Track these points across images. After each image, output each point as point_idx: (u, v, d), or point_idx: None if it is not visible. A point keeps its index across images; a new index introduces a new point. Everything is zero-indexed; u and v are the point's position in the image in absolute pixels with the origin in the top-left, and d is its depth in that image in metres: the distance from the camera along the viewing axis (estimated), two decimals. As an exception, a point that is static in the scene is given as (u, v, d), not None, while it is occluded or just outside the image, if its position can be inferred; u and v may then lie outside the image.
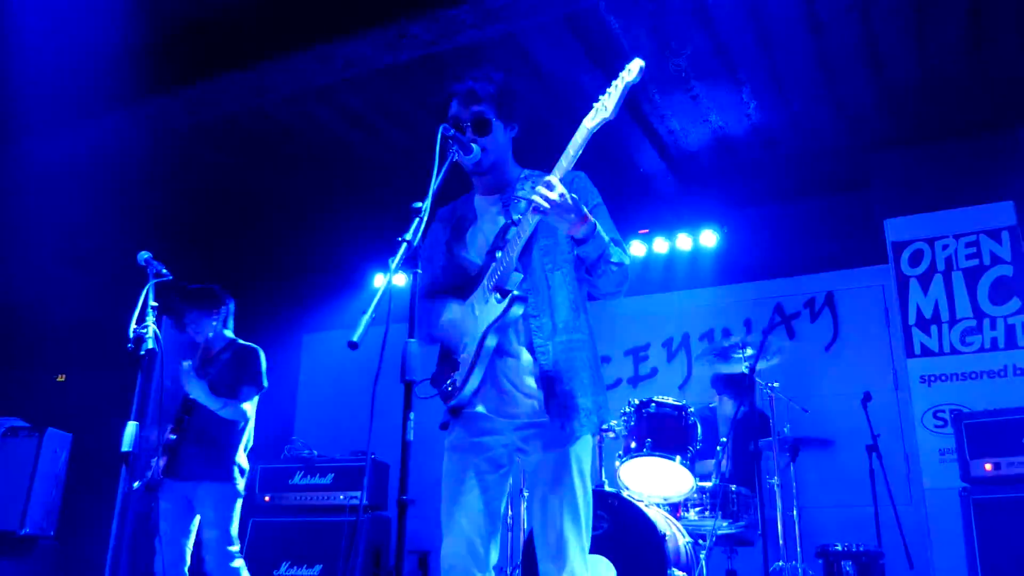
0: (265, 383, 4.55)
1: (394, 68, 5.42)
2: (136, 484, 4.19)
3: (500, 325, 2.50)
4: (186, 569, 4.27)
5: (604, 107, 2.44)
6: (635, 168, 6.99)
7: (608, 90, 2.45)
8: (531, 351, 2.56)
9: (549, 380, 2.52)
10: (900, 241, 6.15)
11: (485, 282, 2.59)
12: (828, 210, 7.05)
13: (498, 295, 2.50)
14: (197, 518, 4.36)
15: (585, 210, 2.44)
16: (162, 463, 4.33)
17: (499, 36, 5.19)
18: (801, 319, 6.95)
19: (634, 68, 2.43)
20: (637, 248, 7.52)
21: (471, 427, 2.64)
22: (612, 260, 2.52)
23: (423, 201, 2.31)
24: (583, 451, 2.58)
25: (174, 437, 4.37)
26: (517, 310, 2.49)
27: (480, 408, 2.58)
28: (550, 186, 2.38)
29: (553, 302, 2.59)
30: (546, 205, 2.36)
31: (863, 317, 6.73)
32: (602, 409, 2.62)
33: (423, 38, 5.11)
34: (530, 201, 2.41)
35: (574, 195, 2.42)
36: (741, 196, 7.34)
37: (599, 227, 2.49)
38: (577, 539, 2.49)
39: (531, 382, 2.55)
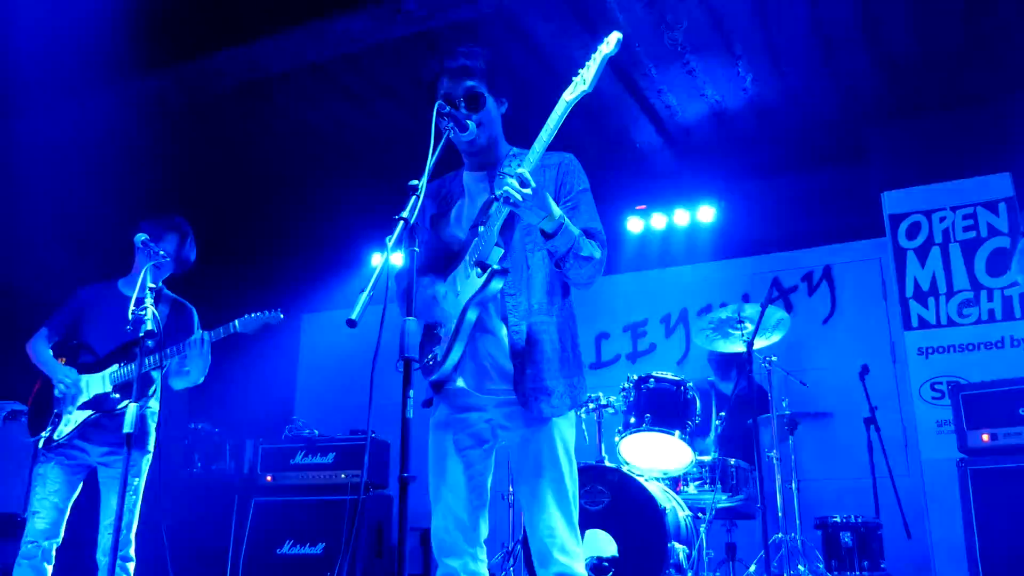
0: None
1: (389, 44, 5.38)
2: (38, 439, 4.13)
3: (480, 299, 2.50)
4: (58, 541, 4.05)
5: (583, 80, 2.46)
6: (632, 144, 6.97)
7: (587, 63, 2.47)
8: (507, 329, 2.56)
9: (520, 360, 2.52)
10: (897, 214, 6.14)
11: (467, 257, 2.58)
12: (825, 183, 7.03)
13: (479, 269, 2.49)
14: (78, 490, 4.15)
15: (553, 205, 2.40)
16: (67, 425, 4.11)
17: (493, 11, 5.16)
18: (799, 293, 6.96)
19: (612, 40, 2.46)
20: (634, 224, 7.51)
21: (454, 403, 2.64)
22: (581, 255, 2.47)
23: (419, 179, 2.30)
24: (565, 425, 2.58)
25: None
26: (497, 284, 2.48)
27: (461, 383, 2.58)
28: (524, 182, 2.33)
29: (531, 283, 2.59)
30: (518, 198, 2.32)
31: (861, 290, 6.74)
32: (575, 390, 2.60)
33: (418, 14, 5.08)
34: (508, 184, 2.35)
35: (546, 192, 2.39)
36: (738, 170, 7.32)
37: (567, 223, 2.44)
38: (564, 513, 2.49)
39: (507, 360, 2.55)
